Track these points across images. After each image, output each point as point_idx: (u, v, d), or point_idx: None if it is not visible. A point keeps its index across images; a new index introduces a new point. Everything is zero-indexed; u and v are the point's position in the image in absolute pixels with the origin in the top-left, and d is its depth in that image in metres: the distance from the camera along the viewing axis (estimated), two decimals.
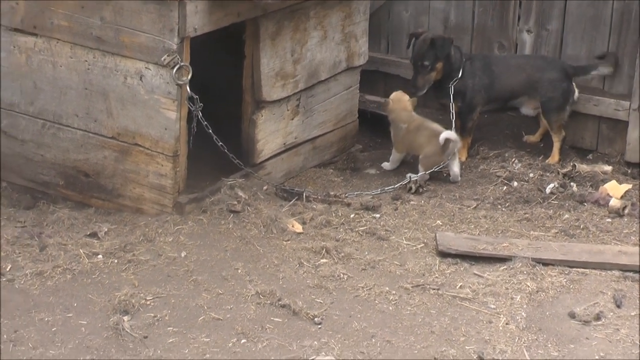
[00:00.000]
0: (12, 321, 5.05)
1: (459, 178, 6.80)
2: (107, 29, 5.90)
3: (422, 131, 6.81)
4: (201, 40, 5.92)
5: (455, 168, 6.78)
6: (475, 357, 4.87)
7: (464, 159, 7.02)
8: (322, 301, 5.30)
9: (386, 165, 7.03)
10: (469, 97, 7.00)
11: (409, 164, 6.99)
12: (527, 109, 7.13)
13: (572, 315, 5.23)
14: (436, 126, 6.79)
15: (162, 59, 5.76)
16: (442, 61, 6.95)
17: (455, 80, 6.96)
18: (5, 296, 5.24)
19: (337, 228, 6.04)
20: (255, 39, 6.25)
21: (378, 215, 6.24)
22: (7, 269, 5.48)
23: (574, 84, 7.03)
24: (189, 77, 5.83)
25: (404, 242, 5.94)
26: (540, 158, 7.06)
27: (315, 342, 4.95)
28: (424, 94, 7.07)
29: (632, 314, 5.27)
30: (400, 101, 6.93)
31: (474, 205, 6.43)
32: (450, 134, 6.70)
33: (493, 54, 7.38)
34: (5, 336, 4.91)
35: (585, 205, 6.43)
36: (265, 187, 6.38)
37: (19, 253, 5.65)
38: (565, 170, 6.78)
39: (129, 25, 5.83)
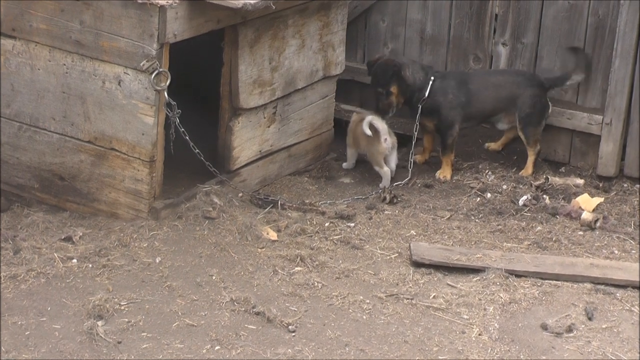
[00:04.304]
0: None
1: (392, 174, 6.93)
2: (87, 33, 5.90)
3: (359, 129, 6.93)
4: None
5: (392, 163, 6.92)
6: None
7: (448, 177, 7.00)
8: (296, 309, 5.31)
9: (345, 164, 7.19)
10: (444, 114, 6.98)
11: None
12: (503, 124, 7.16)
13: (544, 327, 5.27)
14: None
15: (141, 64, 5.76)
16: (396, 85, 6.95)
17: (423, 100, 6.94)
18: None
19: (311, 236, 6.06)
20: (234, 46, 6.26)
21: (352, 224, 6.26)
22: None
23: (547, 98, 7.09)
24: (168, 83, 5.84)
25: (378, 251, 5.97)
26: (514, 170, 7.09)
27: (289, 350, 4.96)
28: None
29: (603, 326, 5.31)
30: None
31: (448, 216, 6.46)
32: (371, 118, 6.78)
33: (467, 71, 7.39)
34: None
35: (557, 218, 6.47)
36: (240, 194, 6.39)
37: None
38: (538, 182, 6.81)
39: (109, 30, 5.82)
